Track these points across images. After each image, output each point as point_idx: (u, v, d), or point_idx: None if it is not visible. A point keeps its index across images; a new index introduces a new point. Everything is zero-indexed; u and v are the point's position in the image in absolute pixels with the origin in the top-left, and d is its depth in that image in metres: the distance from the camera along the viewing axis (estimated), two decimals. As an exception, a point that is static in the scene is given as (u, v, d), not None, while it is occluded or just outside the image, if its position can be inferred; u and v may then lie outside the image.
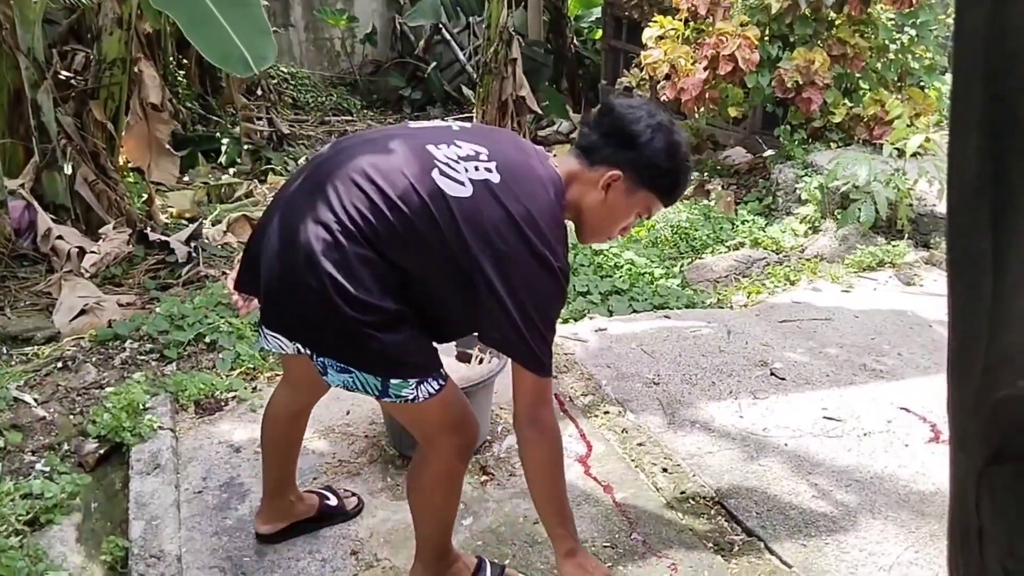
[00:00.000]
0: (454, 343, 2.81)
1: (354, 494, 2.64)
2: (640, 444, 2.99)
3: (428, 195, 1.78)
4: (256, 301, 2.02)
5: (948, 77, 6.59)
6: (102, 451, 3.00)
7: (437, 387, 1.89)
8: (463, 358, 3.02)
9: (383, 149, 1.87)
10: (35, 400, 3.35)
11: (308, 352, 1.90)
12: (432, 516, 2.12)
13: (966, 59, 0.84)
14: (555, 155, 2.02)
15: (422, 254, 1.79)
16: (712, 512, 2.65)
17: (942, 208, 5.00)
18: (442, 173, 1.81)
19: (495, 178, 1.83)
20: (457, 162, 1.83)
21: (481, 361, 3.05)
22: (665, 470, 2.85)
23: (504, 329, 1.81)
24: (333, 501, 2.57)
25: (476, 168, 1.84)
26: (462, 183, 1.80)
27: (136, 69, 6.54)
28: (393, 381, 1.84)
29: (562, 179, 1.94)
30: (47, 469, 2.89)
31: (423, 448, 2.03)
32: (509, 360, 1.91)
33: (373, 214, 1.77)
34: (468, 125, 2.03)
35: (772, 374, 3.50)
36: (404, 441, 2.87)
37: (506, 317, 1.79)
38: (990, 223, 0.82)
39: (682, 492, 2.73)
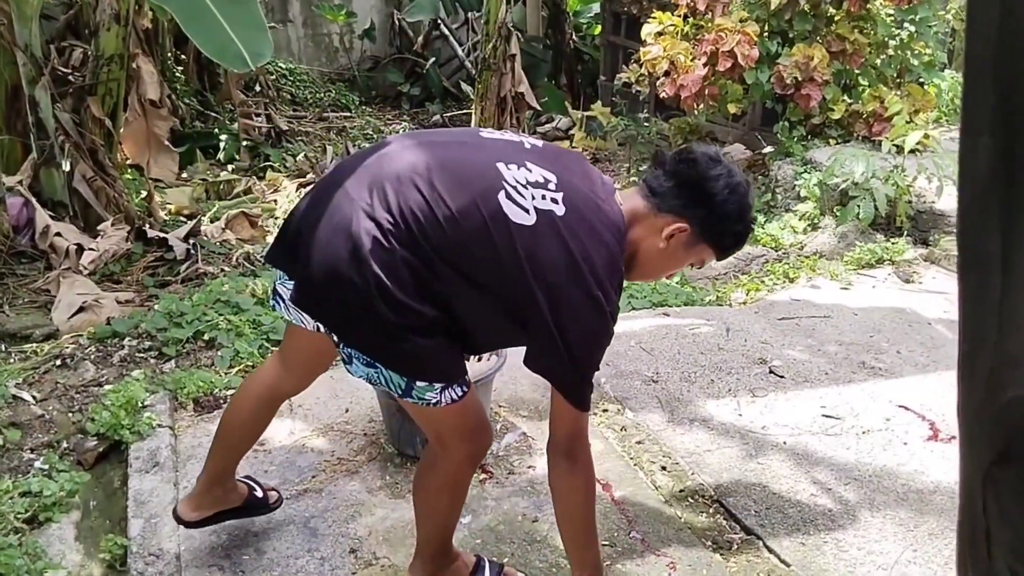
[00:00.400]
0: None
1: (274, 489, 2.55)
2: (639, 442, 2.99)
3: (490, 216, 1.76)
4: None
5: (947, 73, 6.60)
6: (101, 449, 3.00)
7: (460, 394, 1.90)
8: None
9: (452, 156, 1.86)
10: (34, 398, 3.34)
11: (336, 340, 1.89)
12: (436, 518, 2.12)
13: (977, 59, 0.83)
14: (619, 188, 2.01)
15: (471, 271, 1.78)
16: (711, 510, 2.65)
17: (941, 205, 5.01)
18: (508, 196, 1.78)
19: (560, 210, 1.80)
20: (525, 187, 1.80)
21: (480, 359, 3.05)
22: (664, 468, 2.85)
23: (551, 359, 1.83)
24: (259, 492, 2.48)
25: (543, 197, 1.80)
26: (527, 211, 1.78)
27: (134, 65, 6.53)
28: (419, 384, 1.85)
29: (625, 219, 1.90)
30: (46, 467, 2.89)
31: (434, 450, 2.03)
32: (506, 358, 1.89)
33: (428, 222, 1.75)
34: (539, 144, 1.98)
35: (771, 372, 3.50)
36: (403, 439, 2.87)
37: (554, 348, 1.80)
38: (1000, 224, 0.82)
39: (681, 490, 2.73)
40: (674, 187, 1.89)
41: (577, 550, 2.03)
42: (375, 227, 1.75)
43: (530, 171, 1.83)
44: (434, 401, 1.87)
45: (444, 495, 2.07)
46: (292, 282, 1.93)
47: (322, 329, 1.93)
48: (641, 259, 1.94)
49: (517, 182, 1.80)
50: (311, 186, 2.05)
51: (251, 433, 2.37)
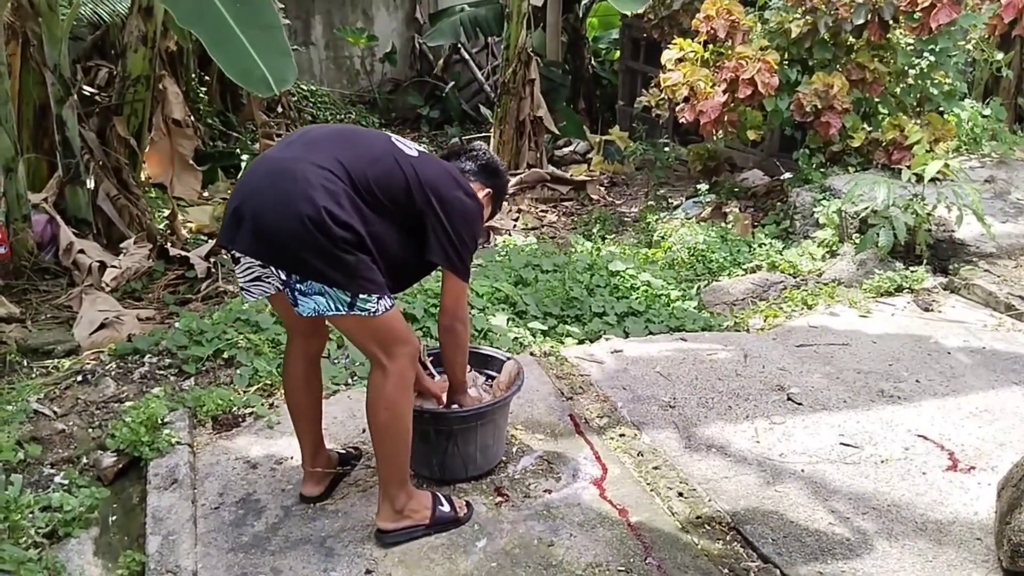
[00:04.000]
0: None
1: (354, 447, 3.06)
2: (656, 467, 2.98)
3: (395, 155, 2.44)
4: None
5: (967, 103, 6.59)
6: (120, 465, 3.02)
7: (390, 304, 2.38)
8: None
9: (355, 128, 2.65)
10: (55, 413, 3.38)
11: (284, 278, 2.32)
12: (398, 429, 2.47)
13: None
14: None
15: (391, 195, 2.38)
16: (728, 537, 2.64)
17: (961, 234, 4.99)
18: (399, 142, 2.53)
19: (426, 151, 2.62)
20: (404, 142, 2.56)
21: (491, 380, 3.06)
22: (681, 494, 2.84)
23: (445, 247, 2.47)
24: (342, 451, 2.98)
25: (413, 146, 2.57)
26: (412, 149, 2.53)
27: (160, 86, 6.63)
28: (361, 296, 2.30)
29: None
30: (66, 482, 2.92)
31: (380, 363, 2.42)
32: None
33: (361, 164, 2.35)
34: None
35: (789, 399, 3.49)
36: (418, 459, 2.88)
37: (447, 238, 2.46)
38: None
39: (698, 517, 2.72)
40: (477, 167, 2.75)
41: (460, 374, 2.80)
42: (320, 170, 2.28)
43: (401, 136, 2.65)
44: (374, 311, 2.33)
45: (401, 400, 2.45)
46: (245, 258, 2.39)
47: (278, 282, 2.38)
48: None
49: (399, 138, 2.58)
50: (239, 176, 2.55)
51: (315, 399, 2.76)
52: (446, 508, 2.64)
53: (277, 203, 2.25)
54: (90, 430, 3.28)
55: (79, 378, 3.65)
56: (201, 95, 8.38)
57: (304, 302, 2.33)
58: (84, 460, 3.09)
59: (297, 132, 2.56)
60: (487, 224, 3.00)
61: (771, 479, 2.93)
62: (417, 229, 2.46)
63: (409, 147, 2.54)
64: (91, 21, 7.19)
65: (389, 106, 11.12)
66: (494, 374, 3.08)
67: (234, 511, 2.74)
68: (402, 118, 11.07)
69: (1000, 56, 6.97)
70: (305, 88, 10.30)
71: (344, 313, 2.33)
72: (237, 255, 2.43)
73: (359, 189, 2.32)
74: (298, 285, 2.31)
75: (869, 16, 5.79)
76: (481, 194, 2.69)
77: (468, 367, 2.91)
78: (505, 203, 7.41)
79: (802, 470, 2.99)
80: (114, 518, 2.82)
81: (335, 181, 2.28)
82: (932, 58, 6.04)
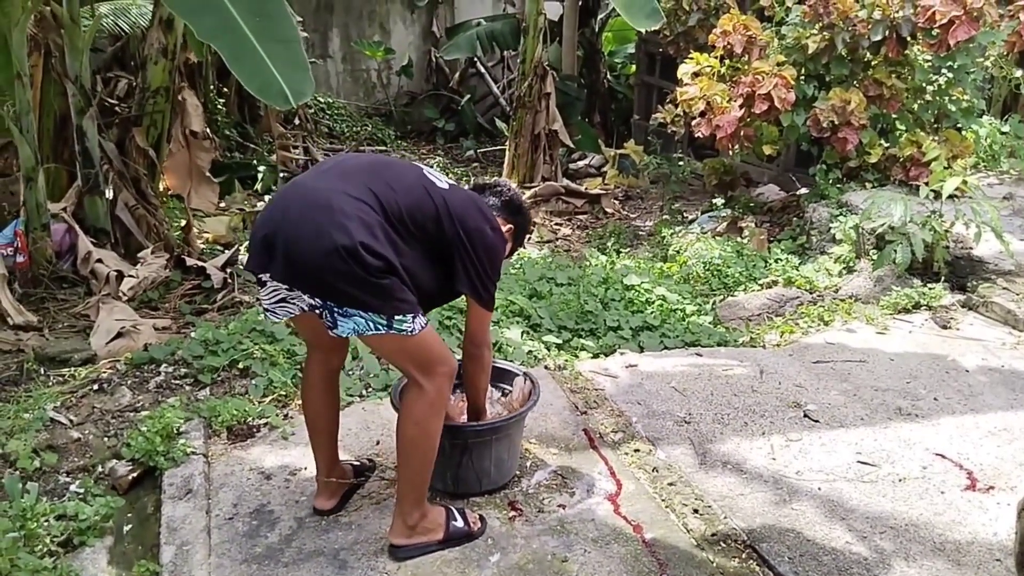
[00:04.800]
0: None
1: (368, 459, 3.08)
2: (671, 484, 2.96)
3: (426, 187, 2.49)
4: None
5: (985, 120, 6.56)
6: (135, 474, 3.03)
7: (425, 322, 2.42)
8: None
9: (387, 159, 2.70)
10: (71, 421, 3.39)
11: (320, 305, 2.34)
12: (425, 448, 2.48)
13: None
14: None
15: (422, 225, 2.42)
16: (743, 555, 2.61)
17: (979, 251, 4.95)
18: (429, 174, 2.57)
19: (455, 184, 2.66)
20: (434, 173, 2.62)
21: (505, 394, 3.06)
22: (696, 511, 2.82)
23: (472, 278, 2.52)
24: (357, 463, 3.00)
25: (443, 179, 2.62)
26: (441, 181, 2.57)
27: (179, 97, 6.68)
28: (397, 317, 2.33)
29: None
30: (81, 491, 2.93)
31: (417, 381, 2.44)
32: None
33: (394, 194, 2.39)
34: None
35: (806, 415, 3.46)
36: (433, 473, 2.86)
37: (474, 269, 2.51)
38: None
39: (713, 534, 2.70)
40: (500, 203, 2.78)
41: (479, 397, 2.85)
42: (355, 201, 2.31)
43: (432, 168, 2.69)
44: (410, 330, 2.35)
45: (433, 419, 2.47)
46: (272, 281, 2.39)
47: (305, 307, 2.39)
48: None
49: (430, 170, 2.62)
50: (268, 201, 2.72)
51: (333, 412, 2.78)
52: (459, 523, 2.63)
53: (312, 233, 2.27)
54: (106, 439, 3.30)
55: (95, 387, 3.67)
56: (219, 107, 8.44)
57: (344, 323, 2.35)
58: (99, 469, 3.10)
59: (331, 161, 2.60)
60: None
61: (787, 497, 2.90)
62: (445, 258, 2.51)
63: (439, 179, 2.58)
64: (112, 33, 7.27)
65: (405, 119, 11.17)
66: (509, 388, 3.07)
67: (248, 522, 2.74)
68: (418, 131, 11.12)
69: (1019, 73, 6.94)
70: (322, 100, 10.37)
71: (383, 333, 2.34)
72: (263, 279, 2.44)
73: (392, 220, 2.36)
74: (336, 309, 2.34)
75: (887, 32, 5.77)
76: (504, 229, 2.72)
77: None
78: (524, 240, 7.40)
79: (819, 488, 2.96)
80: (129, 527, 2.83)
81: (370, 213, 2.31)
82: (950, 75, 6.01)
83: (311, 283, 2.32)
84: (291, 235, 2.30)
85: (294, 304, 2.45)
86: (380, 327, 2.33)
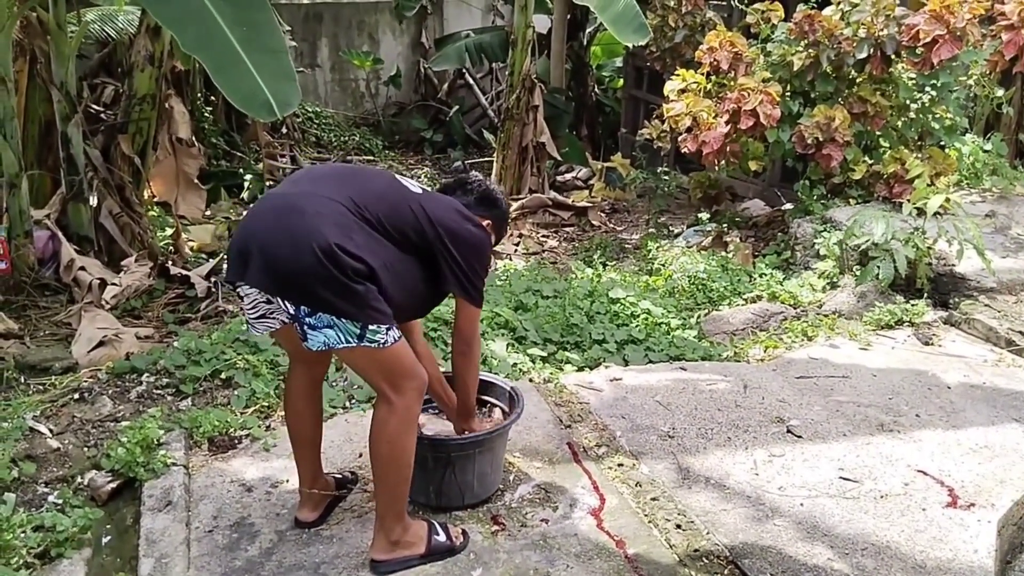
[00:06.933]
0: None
1: (350, 472, 3.04)
2: (654, 498, 2.96)
3: (401, 191, 2.51)
4: None
5: (968, 138, 6.62)
6: (114, 485, 3.00)
7: (398, 335, 2.39)
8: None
9: (359, 167, 2.63)
10: (50, 431, 3.36)
11: (293, 312, 2.31)
12: (400, 464, 2.46)
13: None
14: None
15: (402, 228, 2.42)
16: (726, 572, 2.61)
17: (962, 268, 4.99)
18: (403, 176, 2.62)
19: (428, 188, 2.72)
20: (407, 177, 2.65)
21: (491, 410, 3.06)
22: (679, 526, 2.81)
23: (459, 277, 2.53)
24: (339, 475, 2.97)
25: (416, 184, 2.64)
26: (415, 186, 2.60)
27: (166, 105, 6.66)
28: (371, 327, 2.31)
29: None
30: (59, 502, 2.90)
31: (387, 396, 2.42)
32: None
33: (371, 198, 2.40)
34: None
35: (789, 431, 3.47)
36: (415, 487, 2.85)
37: (459, 269, 2.52)
38: None
39: (696, 550, 2.69)
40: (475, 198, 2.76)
41: (469, 397, 2.82)
42: (330, 202, 2.32)
43: (403, 175, 2.79)
44: (383, 342, 2.33)
45: (405, 434, 2.44)
46: (250, 289, 2.38)
47: (285, 317, 2.36)
48: None
49: (401, 176, 2.66)
50: (244, 215, 2.72)
51: (316, 424, 2.76)
52: (441, 537, 2.62)
53: (287, 236, 2.26)
54: (85, 449, 3.27)
55: (76, 396, 3.64)
56: (206, 114, 8.42)
57: (314, 336, 2.33)
58: (79, 480, 3.07)
59: (302, 171, 2.63)
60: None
61: (770, 512, 2.91)
62: (430, 260, 2.51)
63: (412, 185, 2.59)
64: (99, 39, 7.24)
65: (393, 129, 11.17)
66: (494, 401, 3.07)
67: (228, 534, 2.72)
68: (405, 141, 11.12)
69: (1001, 92, 7.01)
70: (310, 109, 10.36)
71: (354, 345, 2.33)
72: (242, 292, 2.44)
73: (370, 221, 2.36)
74: (308, 319, 2.32)
75: (872, 50, 5.82)
76: (484, 224, 2.72)
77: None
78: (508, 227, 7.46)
79: (801, 504, 2.97)
80: (107, 539, 2.80)
81: (346, 214, 2.31)
82: (933, 93, 6.07)
83: (286, 287, 2.30)
84: (266, 241, 2.30)
85: (274, 318, 2.45)
86: (352, 338, 2.31)
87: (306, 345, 2.36)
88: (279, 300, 2.35)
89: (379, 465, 2.46)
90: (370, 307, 2.29)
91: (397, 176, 2.61)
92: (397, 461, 2.45)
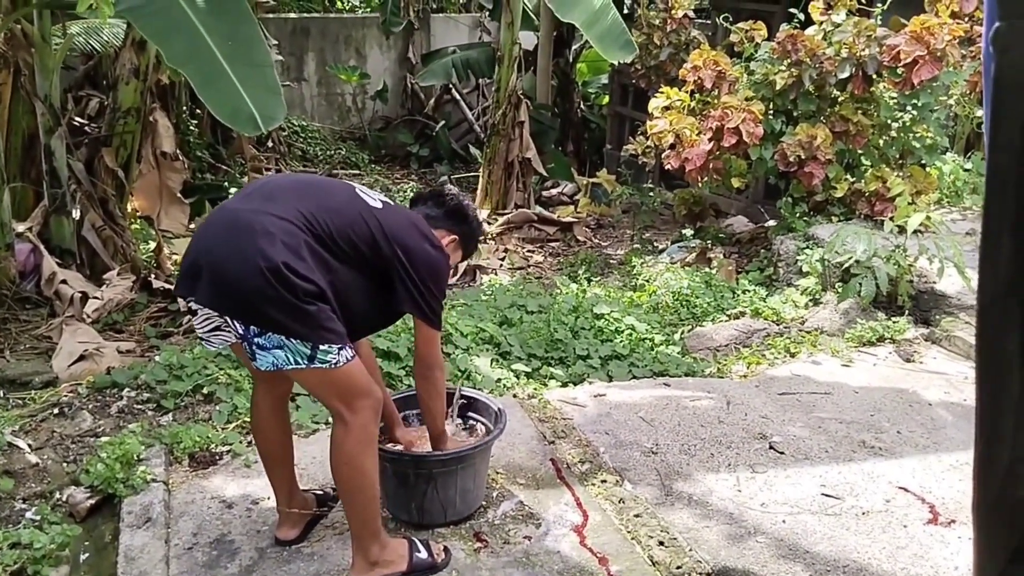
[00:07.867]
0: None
1: (329, 487, 2.95)
2: (637, 515, 2.96)
3: (359, 207, 2.44)
4: None
5: (949, 156, 6.69)
6: (93, 501, 2.97)
7: (351, 355, 2.34)
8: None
9: (318, 178, 2.60)
10: (29, 446, 3.33)
11: (242, 332, 2.27)
12: (363, 484, 2.42)
13: (1000, 168, 0.87)
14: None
15: (355, 245, 2.36)
16: (708, 588, 2.62)
17: (942, 286, 5.03)
18: (363, 192, 2.53)
19: (389, 202, 2.60)
20: (367, 191, 2.57)
21: (474, 427, 3.05)
22: (662, 543, 2.81)
23: (414, 297, 2.46)
24: (320, 492, 2.93)
25: (377, 197, 2.58)
26: (375, 200, 2.53)
27: (151, 118, 6.63)
28: (322, 347, 2.26)
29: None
30: (37, 518, 2.87)
31: (341, 416, 2.37)
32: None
33: (323, 215, 2.33)
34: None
35: (771, 447, 3.48)
36: (397, 503, 2.85)
37: (415, 288, 2.45)
38: (1019, 323, 0.84)
39: (678, 567, 2.69)
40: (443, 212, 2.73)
41: (436, 422, 2.79)
42: (280, 220, 2.25)
43: (364, 185, 2.64)
44: (335, 362, 2.28)
45: (364, 455, 2.40)
46: (199, 306, 2.35)
47: (235, 336, 2.33)
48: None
49: (364, 189, 2.58)
50: (196, 228, 2.61)
51: (285, 441, 2.73)
52: (423, 554, 2.60)
53: (235, 256, 2.22)
54: (64, 464, 3.23)
55: (56, 411, 3.60)
56: (191, 128, 8.40)
57: (263, 356, 2.28)
58: (57, 496, 3.04)
59: (257, 183, 2.57)
60: (473, 264, 3.05)
61: (752, 529, 2.91)
62: (384, 278, 2.45)
63: (373, 198, 2.53)
64: (84, 51, 7.21)
65: (379, 143, 11.18)
66: (478, 417, 3.07)
67: (208, 552, 2.69)
68: (392, 155, 11.13)
69: (980, 112, 7.10)
70: (296, 123, 10.35)
71: (304, 367, 2.28)
72: (194, 307, 2.40)
73: (322, 238, 2.30)
74: (256, 339, 2.26)
75: (853, 70, 5.89)
76: (446, 241, 2.67)
77: (447, 411, 2.89)
78: (492, 243, 7.46)
79: (783, 521, 2.97)
80: (85, 556, 2.77)
81: (295, 234, 2.25)
82: (915, 112, 6.14)
83: (235, 306, 2.26)
84: (215, 259, 2.26)
85: (228, 332, 2.40)
86: (302, 360, 2.26)
87: (255, 365, 2.32)
88: (228, 319, 2.32)
89: (343, 486, 2.44)
90: (322, 327, 2.24)
91: (358, 189, 2.54)
92: (360, 480, 2.41)
